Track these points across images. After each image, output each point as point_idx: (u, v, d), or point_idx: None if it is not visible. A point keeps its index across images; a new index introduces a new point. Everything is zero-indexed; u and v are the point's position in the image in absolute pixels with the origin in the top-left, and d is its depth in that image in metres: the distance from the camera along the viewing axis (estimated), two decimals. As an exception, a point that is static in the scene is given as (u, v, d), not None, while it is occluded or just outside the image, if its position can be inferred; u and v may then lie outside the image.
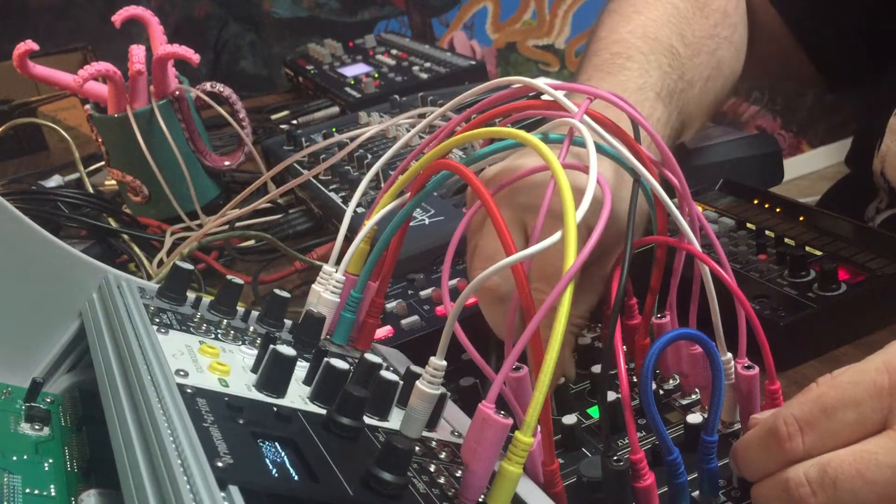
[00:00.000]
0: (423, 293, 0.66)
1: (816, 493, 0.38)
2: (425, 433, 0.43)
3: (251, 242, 0.89)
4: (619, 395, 0.46)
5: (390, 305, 0.65)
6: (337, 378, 0.42)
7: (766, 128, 3.08)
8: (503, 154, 0.51)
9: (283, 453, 0.36)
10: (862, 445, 0.38)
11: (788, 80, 0.97)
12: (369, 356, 0.44)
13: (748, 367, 0.46)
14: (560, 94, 0.46)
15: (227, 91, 0.99)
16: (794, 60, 0.84)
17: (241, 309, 0.52)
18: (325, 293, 0.51)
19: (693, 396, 0.52)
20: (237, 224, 0.89)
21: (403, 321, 0.63)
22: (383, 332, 0.62)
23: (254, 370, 0.44)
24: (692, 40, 0.72)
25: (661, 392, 0.53)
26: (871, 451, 0.38)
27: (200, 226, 0.91)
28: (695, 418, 0.47)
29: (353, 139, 0.85)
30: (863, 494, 0.37)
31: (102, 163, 1.10)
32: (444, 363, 0.41)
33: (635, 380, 0.53)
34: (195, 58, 0.93)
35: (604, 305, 0.53)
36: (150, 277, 0.81)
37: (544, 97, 0.48)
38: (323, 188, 0.88)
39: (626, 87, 0.65)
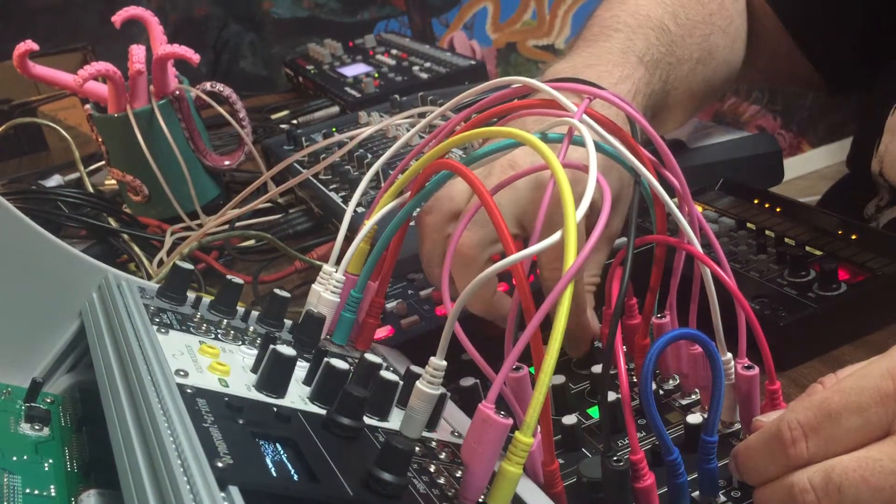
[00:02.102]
0: (423, 293, 0.66)
1: (821, 499, 0.38)
2: (425, 433, 0.43)
3: (251, 242, 0.89)
4: (619, 396, 0.46)
5: (390, 305, 0.65)
6: (337, 378, 0.42)
7: (766, 128, 3.07)
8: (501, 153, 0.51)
9: (283, 453, 0.36)
10: (866, 451, 0.38)
11: (790, 83, 0.96)
12: (369, 356, 0.44)
13: (748, 367, 0.46)
14: (559, 94, 0.46)
15: (227, 91, 0.99)
16: (794, 63, 0.83)
17: (241, 309, 0.52)
18: (325, 293, 0.51)
19: (693, 396, 0.52)
20: (237, 224, 0.89)
21: (403, 321, 0.63)
22: (383, 332, 0.62)
23: (254, 370, 0.44)
24: (685, 22, 0.73)
25: (661, 392, 0.53)
26: (876, 457, 0.38)
27: (200, 226, 0.91)
28: (695, 418, 0.47)
29: (352, 138, 0.85)
30: (867, 501, 0.37)
31: (102, 162, 1.10)
32: (444, 363, 0.41)
33: (635, 380, 0.53)
34: (195, 58, 0.93)
35: (604, 305, 0.53)
36: (150, 277, 0.81)
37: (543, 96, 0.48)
38: (323, 188, 0.88)
39: (610, 50, 0.66)
